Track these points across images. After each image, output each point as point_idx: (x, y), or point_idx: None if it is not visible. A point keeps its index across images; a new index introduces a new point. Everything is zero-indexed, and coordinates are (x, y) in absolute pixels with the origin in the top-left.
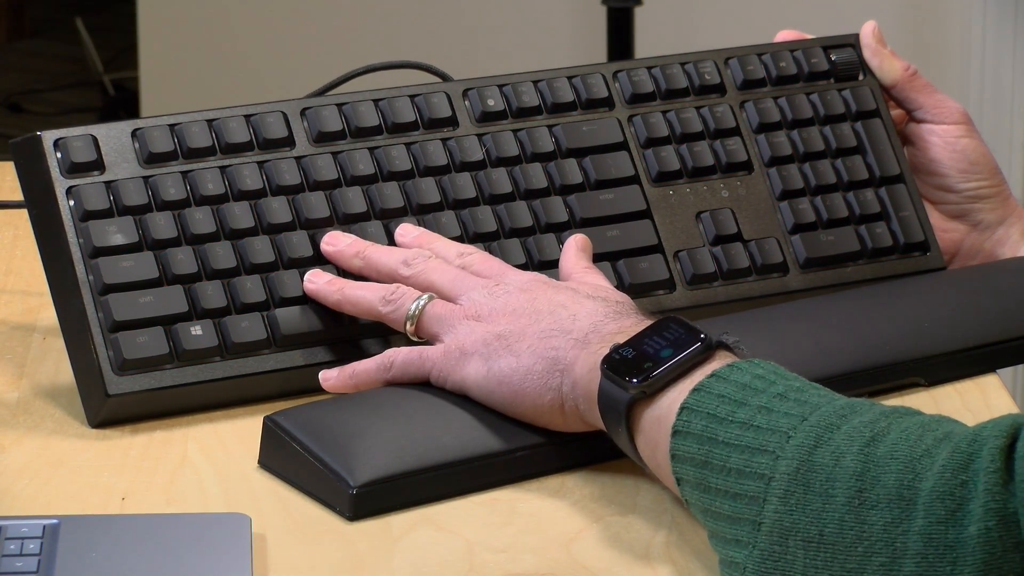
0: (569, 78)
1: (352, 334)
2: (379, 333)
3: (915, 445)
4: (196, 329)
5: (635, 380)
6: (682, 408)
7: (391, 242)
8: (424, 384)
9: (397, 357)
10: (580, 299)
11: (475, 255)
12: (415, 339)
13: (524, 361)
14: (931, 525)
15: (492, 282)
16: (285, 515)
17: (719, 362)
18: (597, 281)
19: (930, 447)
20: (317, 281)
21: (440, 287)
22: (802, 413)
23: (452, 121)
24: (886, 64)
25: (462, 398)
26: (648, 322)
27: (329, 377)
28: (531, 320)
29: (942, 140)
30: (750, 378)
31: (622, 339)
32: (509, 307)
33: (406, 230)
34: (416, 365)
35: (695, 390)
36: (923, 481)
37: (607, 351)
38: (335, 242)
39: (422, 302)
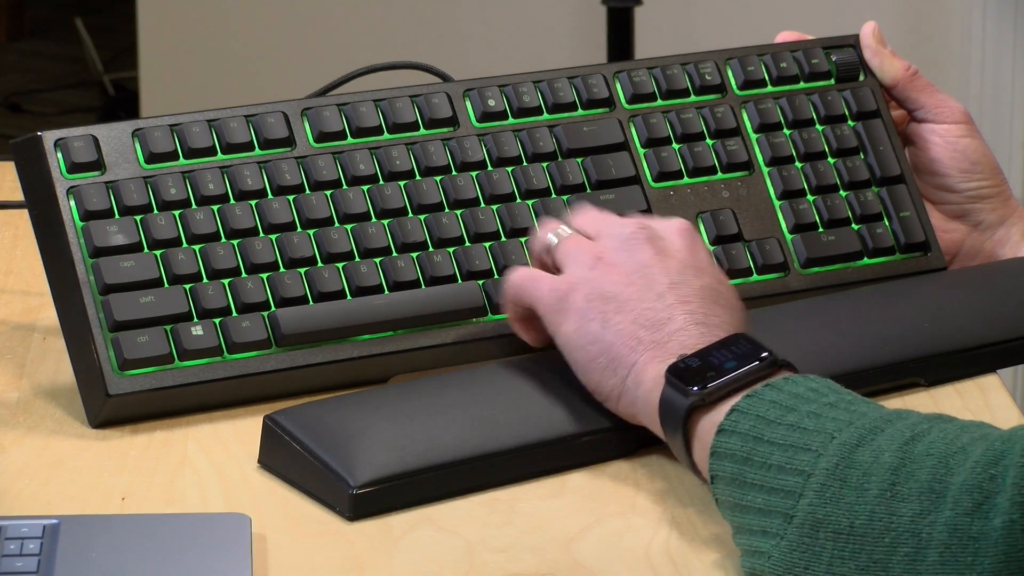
0: (570, 78)
1: (354, 334)
2: (380, 332)
3: (951, 443)
4: (197, 329)
5: (696, 388)
6: (732, 410)
7: (393, 243)
8: (424, 384)
9: (516, 274)
10: (691, 293)
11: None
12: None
13: (608, 337)
14: (957, 516)
15: (637, 223)
16: (285, 515)
17: (779, 377)
18: (719, 273)
19: (965, 445)
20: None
21: (584, 228)
22: (849, 419)
23: (453, 121)
24: (886, 64)
25: (462, 398)
26: (723, 336)
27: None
28: (639, 293)
29: (943, 140)
30: (803, 389)
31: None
32: (631, 264)
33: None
34: (527, 291)
35: (748, 396)
36: (955, 475)
37: (674, 360)
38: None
39: (562, 232)
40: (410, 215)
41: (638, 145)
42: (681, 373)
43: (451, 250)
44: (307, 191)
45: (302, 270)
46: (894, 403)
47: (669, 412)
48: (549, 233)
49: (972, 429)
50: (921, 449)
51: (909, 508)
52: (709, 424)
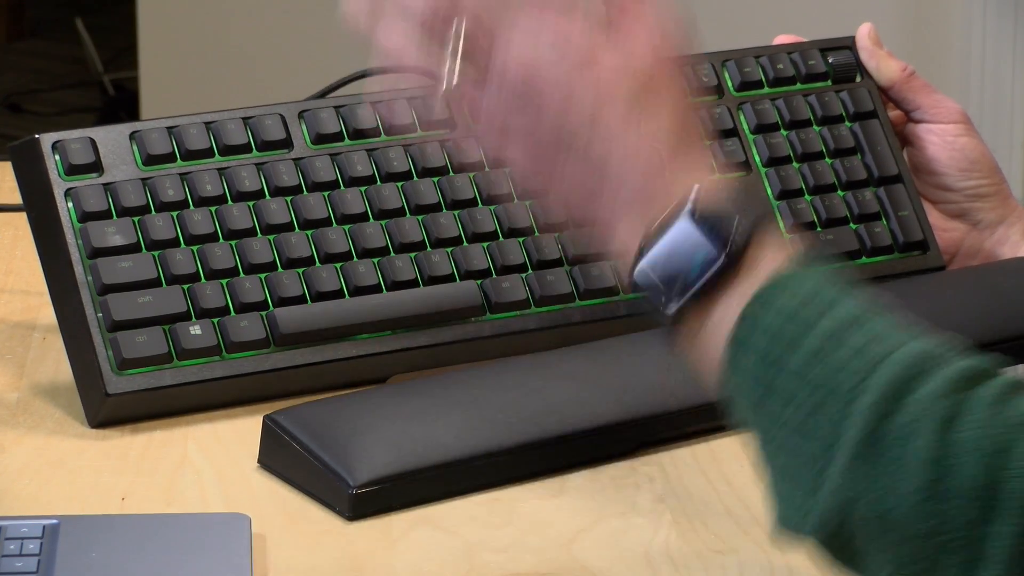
0: None
1: (352, 333)
2: (378, 331)
3: (997, 438)
4: (195, 329)
5: (666, 306)
6: (732, 340)
7: (391, 243)
8: (424, 384)
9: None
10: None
11: None
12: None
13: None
14: (1021, 531)
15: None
16: (285, 515)
17: (764, 268)
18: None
19: (1012, 441)
20: None
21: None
22: (874, 357)
23: (450, 123)
24: (883, 65)
25: (462, 398)
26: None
27: None
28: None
29: (940, 139)
30: (797, 304)
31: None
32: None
33: None
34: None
35: (758, 299)
36: (1008, 481)
37: (637, 248)
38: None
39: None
40: (407, 215)
41: None
42: (646, 278)
43: (448, 250)
44: (304, 192)
45: (300, 270)
46: None
47: (649, 313)
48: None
49: (1011, 413)
50: (964, 437)
51: (961, 512)
52: (695, 332)
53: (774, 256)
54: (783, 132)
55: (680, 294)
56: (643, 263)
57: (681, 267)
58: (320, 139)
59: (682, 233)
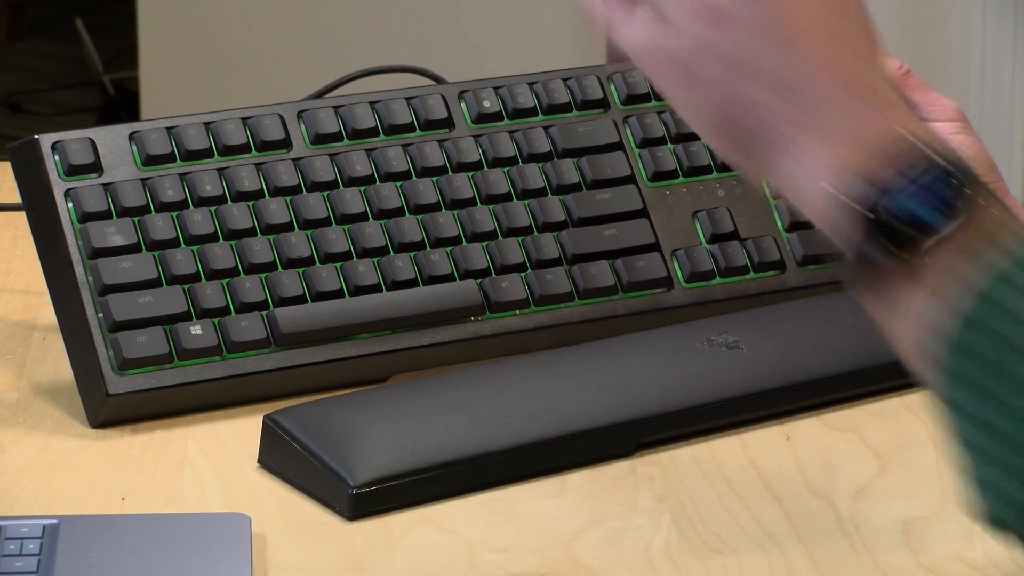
0: (564, 80)
1: (352, 333)
2: (378, 331)
3: None
4: (196, 329)
5: (898, 251)
6: (978, 297)
7: (390, 243)
8: (424, 384)
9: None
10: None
11: None
12: None
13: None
14: None
15: None
16: (285, 515)
17: (992, 239)
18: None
19: None
20: None
21: None
22: None
23: (448, 123)
24: None
25: (462, 398)
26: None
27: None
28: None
29: None
30: None
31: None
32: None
33: None
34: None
35: (1000, 276)
36: None
37: (851, 181)
38: None
39: None
40: (407, 215)
41: (633, 145)
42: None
43: (448, 249)
44: (304, 192)
45: (300, 270)
46: (894, 403)
47: (854, 264)
48: None
49: None
50: None
51: None
52: (896, 299)
53: (1001, 223)
54: None
55: (910, 239)
56: (866, 184)
57: (914, 204)
58: (319, 139)
59: (916, 164)
